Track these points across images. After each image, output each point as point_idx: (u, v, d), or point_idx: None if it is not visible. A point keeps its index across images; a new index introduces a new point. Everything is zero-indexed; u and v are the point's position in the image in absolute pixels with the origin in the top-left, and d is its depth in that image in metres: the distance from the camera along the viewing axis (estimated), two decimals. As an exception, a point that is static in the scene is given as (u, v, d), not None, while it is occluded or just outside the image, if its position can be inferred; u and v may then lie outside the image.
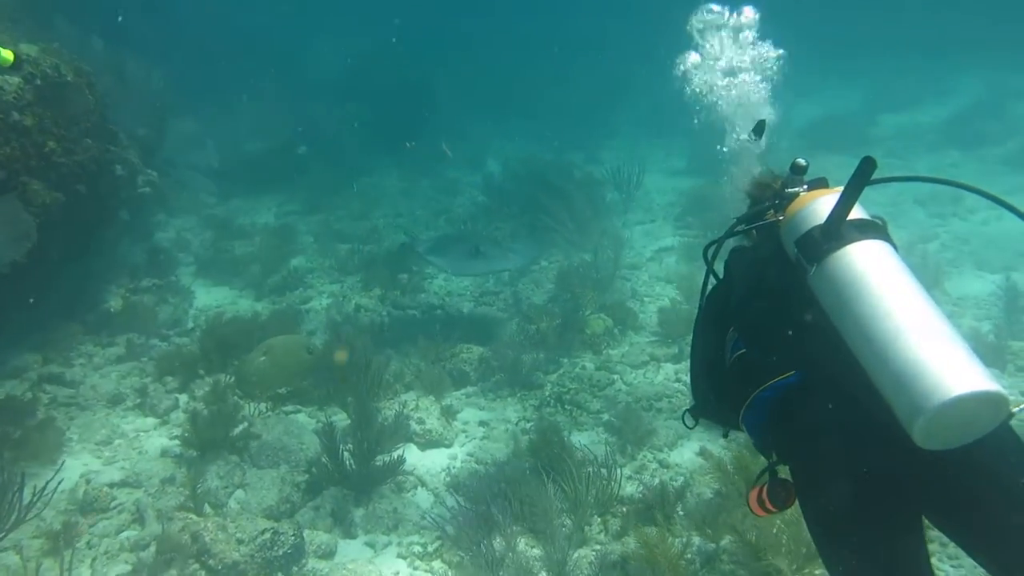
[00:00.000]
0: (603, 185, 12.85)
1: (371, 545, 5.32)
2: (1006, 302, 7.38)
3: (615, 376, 7.23)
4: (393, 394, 6.97)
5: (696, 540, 4.70)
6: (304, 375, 7.06)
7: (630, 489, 5.38)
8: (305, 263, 10.93)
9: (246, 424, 6.48)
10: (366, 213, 13.31)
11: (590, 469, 5.43)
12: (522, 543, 4.93)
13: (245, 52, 20.56)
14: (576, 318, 7.93)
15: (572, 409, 6.70)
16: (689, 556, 4.51)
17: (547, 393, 6.97)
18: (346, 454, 5.81)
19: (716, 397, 2.75)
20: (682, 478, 5.58)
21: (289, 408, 6.86)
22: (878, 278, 2.21)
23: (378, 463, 5.79)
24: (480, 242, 7.98)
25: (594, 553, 4.71)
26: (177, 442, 6.31)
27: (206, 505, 5.58)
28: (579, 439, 6.18)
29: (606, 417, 6.54)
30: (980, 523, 2.16)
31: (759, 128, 2.96)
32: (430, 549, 5.21)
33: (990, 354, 6.79)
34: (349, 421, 6.42)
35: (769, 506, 2.52)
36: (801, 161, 2.74)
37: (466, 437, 6.52)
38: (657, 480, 5.60)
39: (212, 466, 6.04)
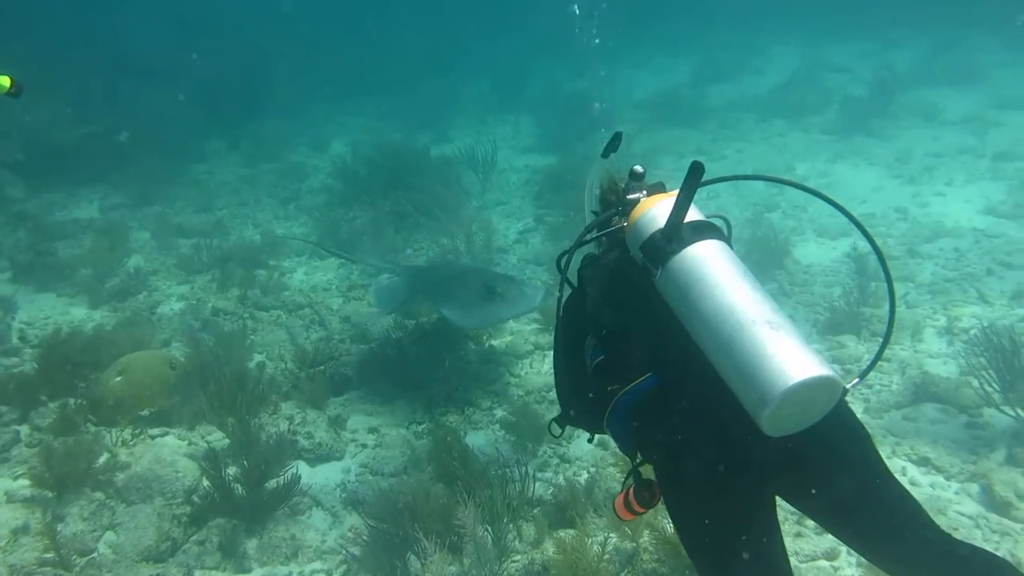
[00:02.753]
0: (458, 166, 12.65)
1: (269, 578, 4.94)
2: (856, 269, 7.94)
3: (502, 369, 7.11)
4: (273, 408, 6.51)
5: (613, 539, 4.70)
6: (169, 393, 6.43)
7: (537, 490, 5.30)
8: (145, 263, 10.01)
9: (108, 455, 5.83)
10: (207, 204, 12.38)
11: (494, 472, 5.32)
12: (438, 560, 4.74)
13: (49, 28, 18.51)
14: (455, 310, 7.72)
15: (464, 407, 6.53)
16: (608, 557, 4.49)
17: (435, 392, 6.75)
18: (231, 479, 5.34)
19: (580, 404, 2.81)
20: (586, 473, 5.57)
21: (156, 432, 6.23)
22: (716, 277, 2.34)
23: (270, 486, 5.37)
24: (493, 280, 6.33)
25: (515, 565, 4.61)
26: (25, 483, 5.56)
27: (73, 555, 4.97)
28: (476, 440, 6.04)
29: (500, 413, 6.42)
30: (827, 499, 2.43)
31: (614, 142, 2.95)
32: None
33: (846, 320, 7.27)
34: (228, 441, 5.94)
35: (636, 507, 2.68)
36: (638, 168, 2.82)
37: (357, 447, 6.20)
38: (561, 477, 5.57)
39: (73, 507, 5.39)
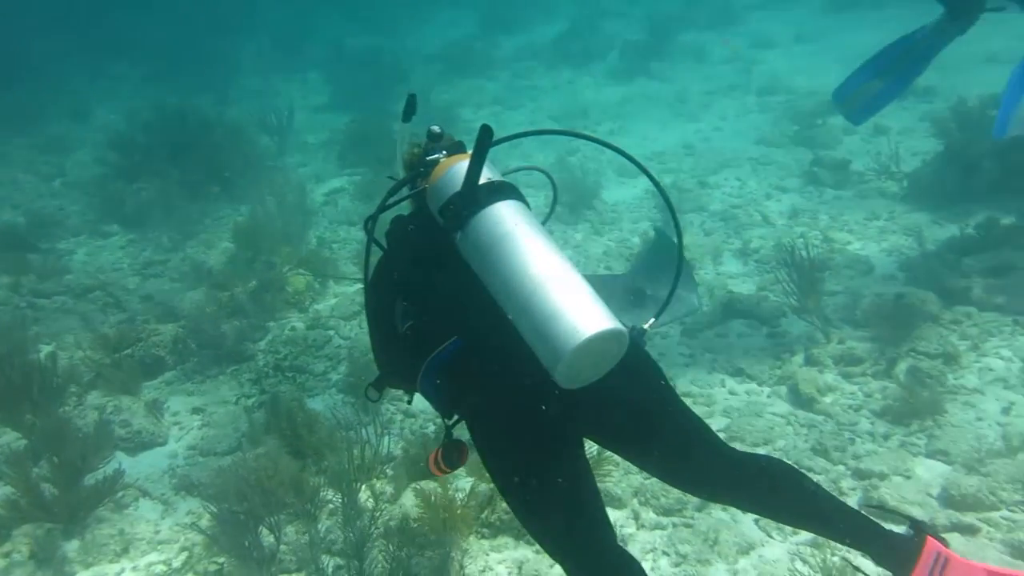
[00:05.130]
0: (250, 128, 11.90)
1: (100, 580, 4.49)
2: (657, 204, 8.44)
3: (330, 332, 6.85)
4: (77, 399, 5.85)
5: (471, 482, 4.71)
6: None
7: (388, 446, 5.19)
8: None
9: None
10: (-50, 187, 10.81)
11: (341, 435, 5.15)
12: (292, 532, 4.53)
13: None
14: (272, 277, 7.31)
15: (295, 375, 6.24)
16: (470, 502, 4.50)
17: (261, 364, 6.38)
18: (39, 480, 4.77)
19: (395, 368, 2.82)
20: (432, 424, 5.53)
21: (-73, 443, 5.42)
22: (512, 238, 2.38)
23: (88, 482, 4.85)
24: (636, 282, 5.51)
25: (377, 523, 4.49)
26: None
27: None
28: (315, 405, 5.80)
29: (335, 377, 6.20)
30: (628, 436, 2.65)
31: (411, 106, 2.88)
32: (176, 564, 4.56)
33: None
34: (25, 441, 5.29)
35: (443, 467, 2.72)
36: (436, 128, 2.83)
37: (181, 430, 5.74)
38: (408, 431, 5.50)
39: None
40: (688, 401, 5.40)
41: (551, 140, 11.55)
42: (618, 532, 4.36)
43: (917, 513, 4.10)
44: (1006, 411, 4.96)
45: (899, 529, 2.50)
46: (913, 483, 4.40)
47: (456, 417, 2.74)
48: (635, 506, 4.60)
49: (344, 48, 17.03)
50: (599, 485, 4.54)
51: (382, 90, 13.74)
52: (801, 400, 5.42)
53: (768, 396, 5.62)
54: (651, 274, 5.59)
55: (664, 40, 15.60)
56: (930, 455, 4.64)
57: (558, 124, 12.73)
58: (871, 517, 2.54)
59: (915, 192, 8.17)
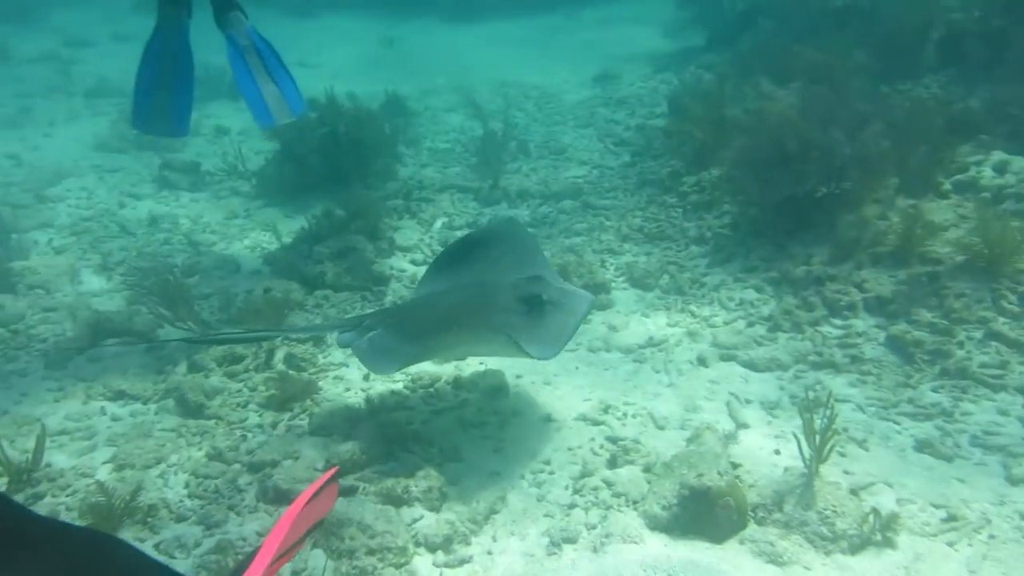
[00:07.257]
0: None
1: None
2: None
3: None
4: None
5: None
6: None
7: None
8: None
9: None
10: None
11: None
12: None
13: None
14: None
15: None
16: None
17: None
18: None
19: None
20: None
21: None
22: None
23: None
24: (527, 290, 4.47)
25: None
26: None
27: None
28: None
29: None
30: None
31: None
32: None
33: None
34: None
35: None
36: None
37: None
38: None
39: None
40: (65, 439, 4.99)
41: None
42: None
43: (301, 488, 4.21)
44: (366, 378, 5.65)
45: None
46: (302, 462, 4.65)
47: None
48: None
49: None
50: None
51: None
52: (190, 409, 5.35)
53: (156, 413, 5.41)
54: (533, 280, 4.67)
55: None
56: (313, 432, 4.98)
57: None
58: None
59: (264, 189, 8.76)
